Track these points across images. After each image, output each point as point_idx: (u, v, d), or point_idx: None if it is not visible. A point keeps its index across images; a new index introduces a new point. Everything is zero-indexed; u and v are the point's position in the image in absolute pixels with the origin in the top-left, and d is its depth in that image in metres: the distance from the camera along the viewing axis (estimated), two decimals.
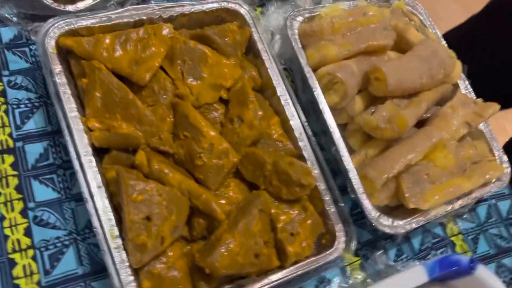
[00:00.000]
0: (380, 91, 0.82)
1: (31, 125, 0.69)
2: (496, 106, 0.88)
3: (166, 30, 0.72)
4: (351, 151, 0.83)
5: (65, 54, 0.69)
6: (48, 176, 0.68)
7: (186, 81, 0.72)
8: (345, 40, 0.84)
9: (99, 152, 0.66)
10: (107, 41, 0.68)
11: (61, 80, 0.65)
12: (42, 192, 0.67)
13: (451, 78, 0.91)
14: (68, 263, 0.65)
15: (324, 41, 0.83)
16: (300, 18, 0.87)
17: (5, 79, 0.70)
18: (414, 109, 0.82)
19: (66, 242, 0.65)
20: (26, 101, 0.71)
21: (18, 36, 0.74)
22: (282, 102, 0.78)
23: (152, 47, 0.70)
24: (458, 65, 0.93)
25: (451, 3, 2.90)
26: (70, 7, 0.73)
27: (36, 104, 0.71)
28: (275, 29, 0.91)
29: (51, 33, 0.67)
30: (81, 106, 0.67)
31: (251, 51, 0.82)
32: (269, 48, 0.81)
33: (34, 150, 0.68)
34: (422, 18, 1.00)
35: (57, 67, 0.65)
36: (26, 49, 0.73)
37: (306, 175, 0.69)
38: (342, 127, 0.85)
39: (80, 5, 0.74)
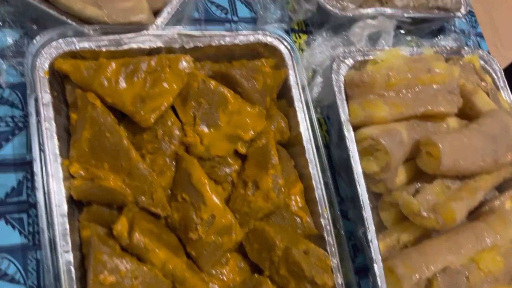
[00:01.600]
0: (431, 169, 0.68)
1: (8, 150, 0.59)
2: None
3: (184, 63, 0.60)
4: (380, 226, 0.70)
5: (61, 77, 0.57)
6: (16, 216, 0.57)
7: (197, 127, 0.60)
8: (399, 99, 0.69)
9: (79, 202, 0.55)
10: (111, 68, 0.57)
11: (47, 113, 0.53)
12: (7, 234, 0.56)
13: None
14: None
15: (373, 96, 0.69)
16: (349, 61, 0.73)
17: None
18: (467, 199, 0.67)
19: None
20: (9, 119, 0.60)
21: (19, 43, 0.63)
22: (310, 167, 0.64)
23: (164, 82, 0.58)
24: None
25: None
26: None
27: (20, 124, 0.60)
28: (318, 66, 0.77)
29: (45, 53, 0.55)
30: (67, 143, 0.56)
31: (284, 96, 0.69)
32: (305, 93, 0.67)
33: (5, 182, 0.58)
34: (496, 77, 0.84)
35: (46, 97, 0.54)
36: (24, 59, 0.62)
37: (323, 273, 0.56)
38: (376, 195, 0.72)
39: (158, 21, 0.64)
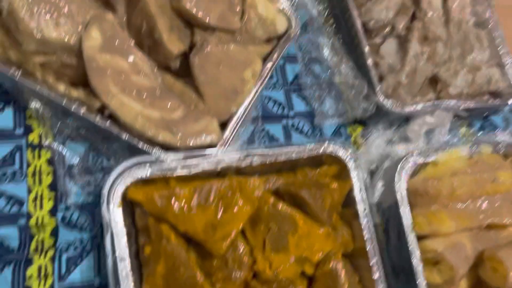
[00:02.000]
0: (495, 284, 0.67)
1: (77, 276, 0.58)
2: None
3: (254, 186, 0.59)
4: None
5: (130, 204, 0.57)
6: None
7: (267, 252, 0.59)
8: (463, 211, 0.68)
9: None
10: (184, 196, 0.56)
11: (121, 252, 0.53)
12: None
13: None
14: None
15: (436, 207, 0.68)
16: (410, 165, 0.71)
17: (59, 214, 0.59)
18: None
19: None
20: (77, 243, 0.59)
21: (85, 158, 0.62)
22: (376, 285, 0.63)
23: (235, 207, 0.57)
24: None
25: None
26: None
27: (88, 247, 0.60)
28: (375, 165, 0.76)
29: (118, 183, 0.54)
30: (139, 272, 0.55)
31: (347, 206, 0.68)
32: (367, 203, 0.67)
33: None
34: None
35: (121, 235, 0.53)
36: (91, 177, 0.61)
37: None
38: None
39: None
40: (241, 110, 0.66)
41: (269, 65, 0.71)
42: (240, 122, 0.65)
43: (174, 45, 0.62)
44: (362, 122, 0.81)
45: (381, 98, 0.75)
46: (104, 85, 0.55)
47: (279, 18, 0.74)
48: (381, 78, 0.80)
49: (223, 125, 0.65)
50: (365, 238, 0.65)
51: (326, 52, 0.80)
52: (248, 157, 0.61)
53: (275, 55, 0.72)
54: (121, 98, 0.56)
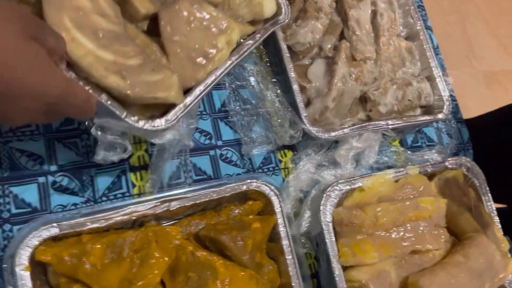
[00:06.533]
0: None
1: None
2: None
3: (171, 235, 0.58)
4: None
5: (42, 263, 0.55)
6: None
7: None
8: (388, 240, 0.69)
9: None
10: (95, 251, 0.54)
11: None
12: None
13: (503, 279, 0.77)
14: None
15: (361, 236, 0.69)
16: (336, 194, 0.72)
17: None
18: None
19: None
20: None
21: None
22: None
23: (151, 259, 0.56)
24: (511, 264, 0.78)
25: (490, 41, 2.74)
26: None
27: None
28: (305, 191, 0.76)
29: (24, 246, 0.52)
30: None
31: (273, 241, 0.68)
32: (295, 230, 0.67)
33: None
34: (478, 183, 0.85)
35: None
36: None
37: None
38: None
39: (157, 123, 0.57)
40: (210, 79, 0.62)
41: (250, 42, 0.68)
42: (207, 90, 0.61)
43: (143, 4, 0.57)
44: (292, 147, 0.80)
45: (306, 125, 0.74)
46: (58, 19, 0.49)
47: (268, 0, 0.71)
48: (309, 102, 0.80)
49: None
50: (290, 274, 0.65)
51: (253, 77, 0.78)
52: (165, 203, 0.60)
53: (258, 35, 0.70)
54: (73, 34, 0.50)
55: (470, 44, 2.74)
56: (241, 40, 0.68)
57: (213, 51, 0.62)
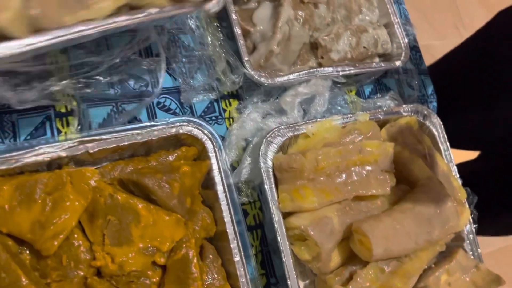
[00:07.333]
0: (363, 256, 0.66)
1: None
2: (502, 280, 0.72)
3: (87, 176, 0.55)
4: None
5: None
6: None
7: (107, 247, 0.55)
8: (329, 184, 0.66)
9: None
10: (3, 194, 0.51)
11: None
12: None
13: (455, 227, 0.74)
14: None
15: (302, 181, 0.65)
16: (279, 140, 0.68)
17: None
18: (402, 284, 0.66)
19: None
20: None
21: None
22: (237, 268, 0.61)
23: (66, 202, 0.53)
24: (466, 213, 0.75)
25: (477, 7, 2.69)
26: None
27: None
28: (249, 138, 0.73)
29: None
30: None
31: (209, 188, 0.64)
32: (231, 186, 0.64)
33: None
34: (436, 132, 0.81)
35: None
36: None
37: None
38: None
39: None
40: (78, 28, 0.48)
41: (154, 11, 0.54)
42: (71, 39, 0.48)
43: None
44: (238, 96, 0.77)
45: (248, 70, 0.70)
46: None
47: None
48: (254, 48, 0.76)
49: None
50: (225, 220, 0.62)
51: (193, 21, 0.74)
52: (83, 145, 0.56)
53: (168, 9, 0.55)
54: None
55: (459, 14, 2.68)
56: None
57: None
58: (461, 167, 0.85)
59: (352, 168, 0.67)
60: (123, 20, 0.51)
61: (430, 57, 1.00)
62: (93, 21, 0.49)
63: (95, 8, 0.50)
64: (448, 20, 2.60)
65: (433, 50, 2.34)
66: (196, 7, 0.57)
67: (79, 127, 0.64)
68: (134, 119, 0.69)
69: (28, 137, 0.62)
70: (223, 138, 0.73)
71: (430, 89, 0.96)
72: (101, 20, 0.50)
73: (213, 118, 0.74)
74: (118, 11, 0.51)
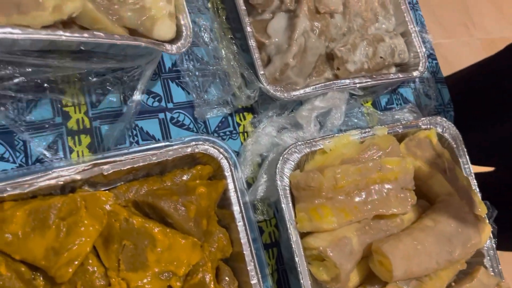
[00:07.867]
0: (383, 277, 0.64)
1: None
2: None
3: (103, 201, 0.53)
4: None
5: None
6: None
7: (122, 272, 0.54)
8: (348, 204, 0.64)
9: None
10: (17, 220, 0.50)
11: None
12: None
13: (476, 245, 0.72)
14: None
15: (320, 200, 0.64)
16: (296, 157, 0.67)
17: None
18: None
19: None
20: None
21: None
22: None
23: (80, 227, 0.52)
24: (488, 230, 0.73)
25: (486, 5, 2.65)
26: None
27: None
28: (264, 153, 0.71)
29: None
30: None
31: (224, 208, 0.63)
32: (246, 206, 0.62)
33: None
34: (454, 145, 0.79)
35: None
36: None
37: None
38: None
39: None
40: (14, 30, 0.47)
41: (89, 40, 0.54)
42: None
43: None
44: (252, 109, 0.75)
45: (263, 84, 0.69)
46: None
47: (166, 23, 0.60)
48: (269, 60, 0.74)
49: None
50: (241, 242, 0.61)
51: (207, 34, 0.72)
52: (97, 167, 0.55)
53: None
54: None
55: (468, 12, 2.64)
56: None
57: (32, 3, 0.48)
58: (477, 178, 0.83)
59: (372, 187, 0.65)
60: (60, 35, 0.50)
61: (439, 56, 0.97)
62: (27, 28, 0.48)
63: (31, 15, 0.49)
64: (457, 18, 2.57)
65: (442, 49, 2.31)
66: (153, 45, 0.57)
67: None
68: (146, 135, 0.67)
69: (40, 157, 0.60)
70: (237, 154, 0.71)
71: (447, 98, 0.94)
72: (37, 29, 0.49)
73: (227, 133, 0.72)
74: (66, 26, 0.52)
